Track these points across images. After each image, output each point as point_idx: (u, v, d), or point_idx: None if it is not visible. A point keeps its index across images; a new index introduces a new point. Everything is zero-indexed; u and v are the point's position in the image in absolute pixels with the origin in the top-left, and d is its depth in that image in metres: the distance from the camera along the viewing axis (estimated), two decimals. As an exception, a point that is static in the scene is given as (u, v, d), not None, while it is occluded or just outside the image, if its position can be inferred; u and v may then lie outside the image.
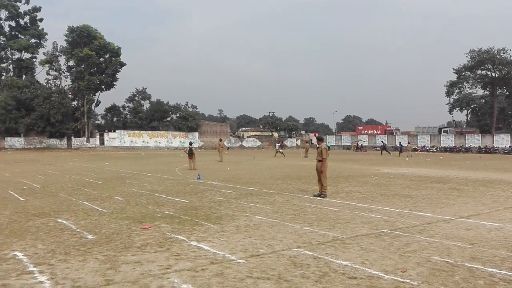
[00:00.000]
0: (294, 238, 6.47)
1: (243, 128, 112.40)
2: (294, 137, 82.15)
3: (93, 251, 5.69)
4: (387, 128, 77.75)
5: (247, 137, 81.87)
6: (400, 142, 52.45)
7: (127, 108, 73.23)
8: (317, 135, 17.15)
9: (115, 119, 73.32)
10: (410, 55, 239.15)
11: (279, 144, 44.26)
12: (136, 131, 65.51)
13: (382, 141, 54.46)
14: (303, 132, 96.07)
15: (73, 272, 4.80)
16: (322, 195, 11.05)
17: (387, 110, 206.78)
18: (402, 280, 4.55)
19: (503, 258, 5.39)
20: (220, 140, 34.69)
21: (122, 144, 63.16)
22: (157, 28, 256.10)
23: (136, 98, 73.45)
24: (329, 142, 64.65)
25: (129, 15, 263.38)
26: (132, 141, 64.08)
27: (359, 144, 62.93)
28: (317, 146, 11.77)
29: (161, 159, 34.36)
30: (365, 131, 75.33)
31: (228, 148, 61.09)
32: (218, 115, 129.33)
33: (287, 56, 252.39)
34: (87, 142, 62.69)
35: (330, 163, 11.69)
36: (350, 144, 67.95)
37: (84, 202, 10.12)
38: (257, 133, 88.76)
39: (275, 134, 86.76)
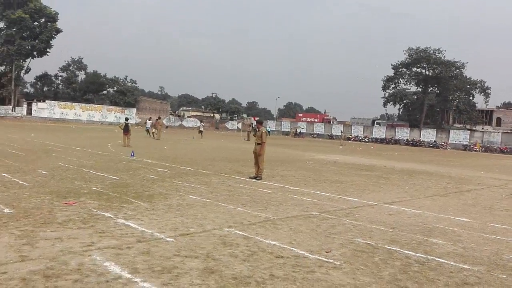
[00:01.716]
0: (226, 218, 6.46)
1: (184, 108, 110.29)
2: (235, 119, 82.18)
3: (8, 226, 5.27)
4: (325, 117, 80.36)
5: (188, 117, 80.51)
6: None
7: (60, 78, 68.58)
8: (257, 118, 17.21)
9: (45, 88, 68.39)
10: (354, 49, 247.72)
11: (150, 121, 33.53)
12: (68, 103, 61.64)
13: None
14: (245, 115, 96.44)
15: (-18, 248, 4.41)
16: (258, 178, 11.16)
17: (327, 100, 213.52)
18: (326, 260, 4.71)
19: (419, 242, 5.78)
20: (159, 118, 33.74)
21: (51, 116, 59.21)
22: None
23: (71, 68, 68.97)
24: (269, 127, 65.49)
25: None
26: (62, 113, 60.25)
27: (298, 131, 64.51)
28: (257, 129, 11.79)
29: (94, 133, 32.77)
30: (304, 119, 77.26)
31: (167, 127, 59.72)
32: (159, 92, 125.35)
33: (234, 39, 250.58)
34: (12, 111, 57.95)
35: (268, 148, 11.81)
36: (289, 130, 69.40)
37: (3, 174, 9.35)
38: (198, 114, 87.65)
39: (217, 116, 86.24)
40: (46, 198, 7.07)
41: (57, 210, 6.27)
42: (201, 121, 46.95)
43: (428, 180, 13.97)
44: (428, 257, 5.09)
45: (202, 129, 38.17)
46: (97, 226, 5.54)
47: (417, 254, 5.18)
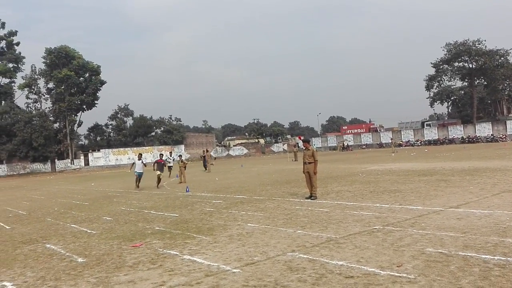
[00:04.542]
0: (288, 242, 6.42)
1: (229, 137, 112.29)
2: (280, 141, 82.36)
3: (84, 274, 5.55)
4: (371, 126, 78.64)
5: (234, 146, 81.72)
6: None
7: (110, 126, 72.56)
8: (302, 137, 17.06)
9: (98, 138, 72.51)
10: (387, 53, 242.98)
11: (212, 154, 27.31)
12: (121, 149, 64.76)
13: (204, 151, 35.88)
14: (289, 136, 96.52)
15: (64, 298, 4.66)
16: (312, 197, 11.04)
17: (370, 108, 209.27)
18: (398, 274, 4.54)
19: (495, 244, 5.43)
20: (207, 151, 34.52)
21: (107, 163, 62.36)
22: (134, 45, 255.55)
23: (119, 115, 72.79)
24: (314, 144, 64.94)
25: (106, 34, 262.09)
26: (117, 159, 63.30)
27: (345, 144, 63.47)
28: (304, 148, 11.71)
29: (148, 174, 33.94)
30: (350, 131, 76.00)
31: (215, 158, 60.85)
32: (203, 126, 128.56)
33: (266, 63, 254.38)
34: (71, 164, 61.65)
35: (318, 164, 11.66)
36: (336, 144, 68.46)
37: (72, 225, 9.91)
38: (243, 141, 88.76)
39: (261, 141, 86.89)
40: (114, 243, 7.40)
41: (126, 254, 6.53)
42: (206, 150, 34.42)
43: (493, 177, 13.17)
44: (508, 259, 4.77)
45: (212, 163, 27.54)
46: (166, 264, 5.70)
47: (496, 258, 4.87)
